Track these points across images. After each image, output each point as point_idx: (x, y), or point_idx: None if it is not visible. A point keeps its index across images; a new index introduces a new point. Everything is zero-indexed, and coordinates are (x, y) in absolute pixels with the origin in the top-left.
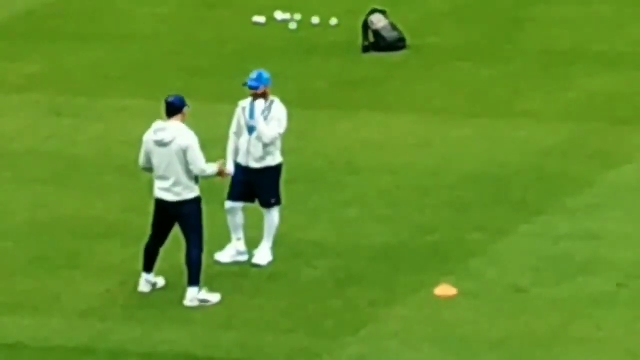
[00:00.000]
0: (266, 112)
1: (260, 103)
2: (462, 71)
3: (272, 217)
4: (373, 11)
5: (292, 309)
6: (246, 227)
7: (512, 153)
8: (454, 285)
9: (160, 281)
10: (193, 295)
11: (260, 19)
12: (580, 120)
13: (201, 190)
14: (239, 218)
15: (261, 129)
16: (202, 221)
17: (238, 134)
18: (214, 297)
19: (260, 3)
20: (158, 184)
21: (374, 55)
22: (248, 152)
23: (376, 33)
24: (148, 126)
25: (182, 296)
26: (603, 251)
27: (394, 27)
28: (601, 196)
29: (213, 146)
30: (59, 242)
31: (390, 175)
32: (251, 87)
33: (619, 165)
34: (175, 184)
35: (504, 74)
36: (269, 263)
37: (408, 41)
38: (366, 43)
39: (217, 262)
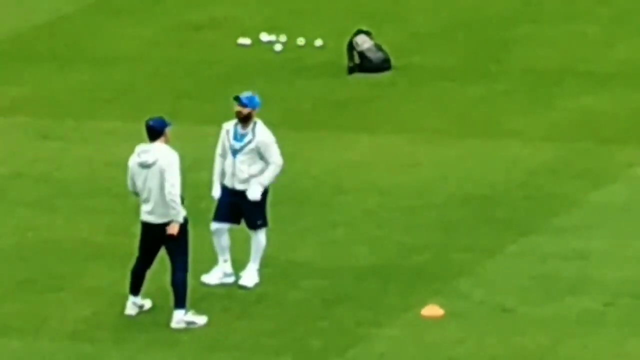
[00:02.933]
0: (250, 136)
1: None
2: (448, 91)
3: (259, 239)
4: (358, 32)
5: (279, 330)
6: (233, 249)
7: (499, 173)
8: (442, 305)
9: (148, 303)
10: (180, 318)
11: (245, 41)
12: (566, 139)
13: (188, 213)
14: (224, 240)
15: (270, 178)
16: (188, 243)
17: (224, 155)
18: (201, 320)
19: (245, 25)
20: (144, 207)
21: (359, 76)
22: (233, 174)
23: (362, 54)
24: (135, 149)
25: (170, 318)
26: (590, 271)
27: (379, 48)
28: (588, 216)
29: (200, 168)
30: (47, 265)
31: (378, 196)
32: (241, 103)
33: (606, 185)
34: (159, 205)
35: (490, 94)
36: (256, 285)
37: (394, 62)
38: (352, 64)
39: (204, 284)
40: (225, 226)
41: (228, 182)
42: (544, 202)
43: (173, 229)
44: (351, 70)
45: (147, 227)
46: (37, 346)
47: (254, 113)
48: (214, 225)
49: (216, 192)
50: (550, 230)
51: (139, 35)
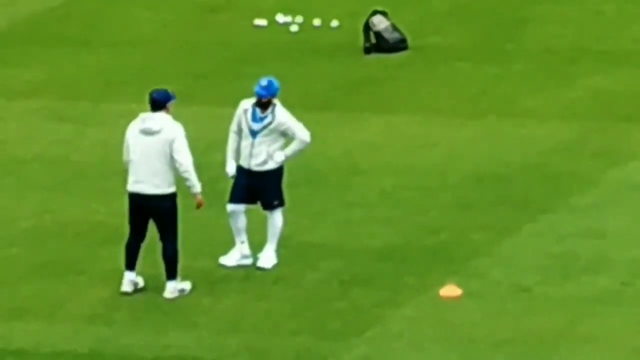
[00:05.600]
0: (270, 118)
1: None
2: (464, 71)
3: (276, 219)
4: (374, 13)
5: (297, 311)
6: (250, 231)
7: (516, 152)
8: (459, 285)
9: (141, 282)
10: (174, 288)
11: (261, 22)
12: (583, 118)
13: (205, 194)
14: (241, 221)
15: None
16: (177, 218)
17: (239, 133)
18: (187, 285)
19: (261, 6)
20: (134, 177)
21: (375, 56)
22: (250, 155)
23: (378, 34)
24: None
25: (187, 301)
26: (608, 250)
27: (395, 28)
28: (605, 194)
29: (216, 150)
30: (64, 248)
31: (394, 177)
32: (258, 95)
33: (623, 163)
34: (156, 175)
35: (506, 74)
36: (274, 266)
37: (410, 42)
38: (368, 45)
39: (222, 266)
40: (241, 207)
41: (244, 163)
42: (560, 181)
43: (200, 201)
44: (367, 50)
45: (137, 197)
46: (55, 329)
47: (273, 99)
48: (230, 207)
49: (230, 169)
50: (567, 209)
51: (155, 17)
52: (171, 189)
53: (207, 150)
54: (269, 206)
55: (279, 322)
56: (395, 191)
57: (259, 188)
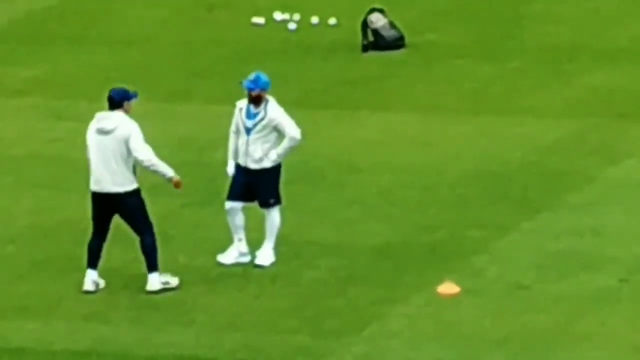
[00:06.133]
0: (262, 114)
1: (252, 108)
2: (461, 69)
3: (273, 217)
4: (372, 10)
5: (295, 309)
6: (248, 229)
7: (513, 150)
8: (457, 283)
9: (102, 282)
10: (155, 280)
11: (259, 20)
12: (580, 116)
13: (203, 192)
14: (239, 219)
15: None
16: (146, 210)
17: (237, 133)
18: (174, 280)
19: (259, 4)
20: (96, 176)
21: (373, 54)
22: (247, 153)
23: (375, 32)
24: (148, 128)
25: (186, 298)
26: (605, 247)
27: (393, 25)
28: (603, 192)
29: (214, 148)
30: (61, 246)
31: (391, 175)
32: (247, 88)
33: (620, 161)
34: (115, 174)
35: (503, 71)
36: (272, 264)
37: (407, 40)
38: (365, 42)
39: (220, 264)
40: (239, 205)
41: (241, 161)
42: (558, 179)
43: (176, 182)
44: (365, 48)
45: (99, 197)
46: (53, 327)
47: (263, 93)
48: (228, 205)
49: (230, 169)
50: (564, 206)
51: (152, 16)
52: (133, 186)
53: (204, 148)
54: (266, 204)
55: (277, 320)
56: (393, 189)
57: (256, 186)
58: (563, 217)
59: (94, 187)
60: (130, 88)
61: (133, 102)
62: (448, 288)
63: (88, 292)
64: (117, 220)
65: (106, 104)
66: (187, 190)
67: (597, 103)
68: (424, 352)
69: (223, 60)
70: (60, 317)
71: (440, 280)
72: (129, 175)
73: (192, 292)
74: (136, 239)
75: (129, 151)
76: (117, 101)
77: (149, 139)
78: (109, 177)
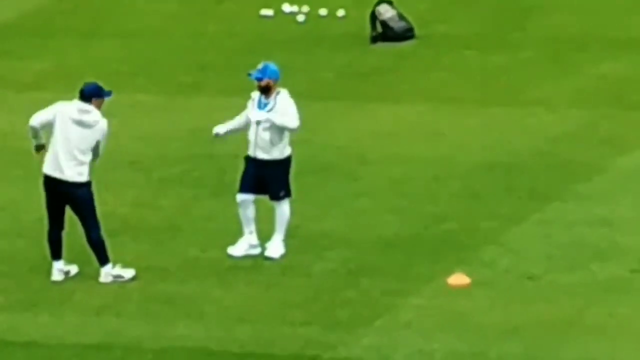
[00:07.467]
0: (272, 104)
1: (263, 98)
2: (471, 60)
3: (283, 209)
4: (380, 2)
5: (306, 301)
6: (258, 221)
7: (523, 141)
8: (468, 274)
9: (74, 269)
10: (107, 272)
11: (268, 12)
12: (590, 106)
13: (213, 185)
14: (250, 211)
15: (280, 121)
16: (94, 206)
17: (245, 119)
18: (128, 273)
19: None
20: (55, 161)
21: (382, 45)
22: (256, 144)
23: (384, 23)
24: (158, 121)
25: (195, 292)
26: (616, 237)
27: (401, 17)
28: (613, 182)
29: (222, 141)
30: (72, 239)
31: (402, 166)
32: (255, 79)
33: (631, 151)
34: (76, 163)
35: (513, 62)
36: (282, 256)
37: (416, 31)
38: (374, 34)
39: (230, 256)
40: (250, 197)
41: (251, 152)
42: (568, 169)
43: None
44: (374, 39)
45: (52, 181)
46: (63, 321)
47: (272, 83)
48: (240, 197)
49: (219, 129)
50: (575, 197)
51: (161, 9)
52: (87, 178)
53: (214, 141)
54: (276, 197)
55: (288, 312)
56: (404, 180)
57: (266, 179)
58: (573, 208)
59: (49, 170)
60: (140, 81)
61: (106, 100)
62: (458, 279)
63: (57, 282)
64: (125, 212)
65: (117, 98)
66: (197, 182)
67: (608, 93)
68: (435, 343)
69: (232, 52)
70: (71, 311)
71: (450, 272)
72: (86, 167)
73: (203, 284)
74: (149, 232)
75: (96, 145)
76: (86, 96)
77: (159, 132)
78: (68, 164)
